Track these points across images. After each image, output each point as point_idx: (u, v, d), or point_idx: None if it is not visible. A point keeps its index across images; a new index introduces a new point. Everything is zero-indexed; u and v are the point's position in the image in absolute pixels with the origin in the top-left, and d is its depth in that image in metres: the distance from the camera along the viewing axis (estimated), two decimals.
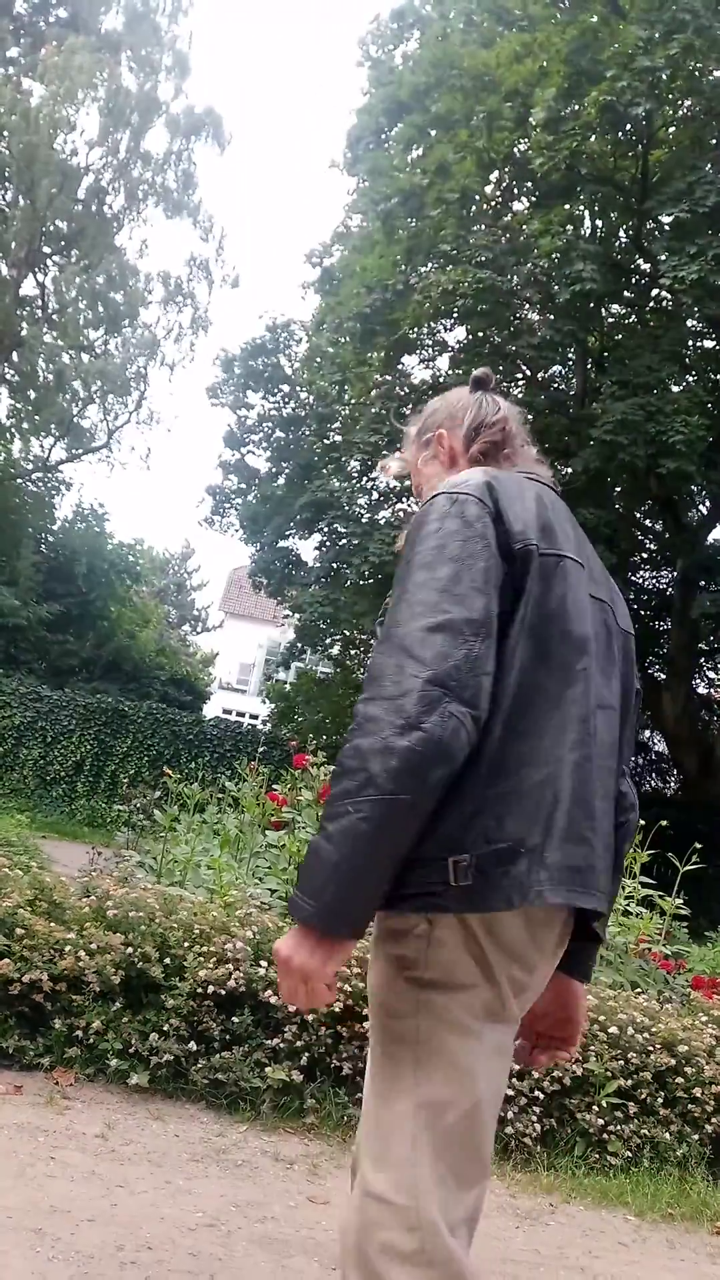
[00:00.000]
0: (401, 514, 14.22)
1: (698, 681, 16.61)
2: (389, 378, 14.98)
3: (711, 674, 17.47)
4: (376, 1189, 1.15)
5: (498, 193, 14.81)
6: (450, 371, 15.92)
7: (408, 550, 1.24)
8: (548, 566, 1.25)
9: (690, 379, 13.38)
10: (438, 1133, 1.15)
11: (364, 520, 14.88)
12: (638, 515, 16.64)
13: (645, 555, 17.33)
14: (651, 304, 14.59)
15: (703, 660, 16.47)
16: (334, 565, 15.36)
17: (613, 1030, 3.39)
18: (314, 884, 1.12)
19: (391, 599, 1.23)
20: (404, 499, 15.21)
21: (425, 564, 1.20)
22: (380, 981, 1.22)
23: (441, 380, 15.76)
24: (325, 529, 15.28)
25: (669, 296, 13.64)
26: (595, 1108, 3.25)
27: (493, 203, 14.69)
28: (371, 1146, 1.19)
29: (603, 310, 14.72)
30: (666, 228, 12.51)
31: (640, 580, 17.48)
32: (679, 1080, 3.39)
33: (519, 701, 1.19)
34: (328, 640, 16.87)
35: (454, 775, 1.13)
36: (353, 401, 15.47)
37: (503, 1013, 1.20)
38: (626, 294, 14.62)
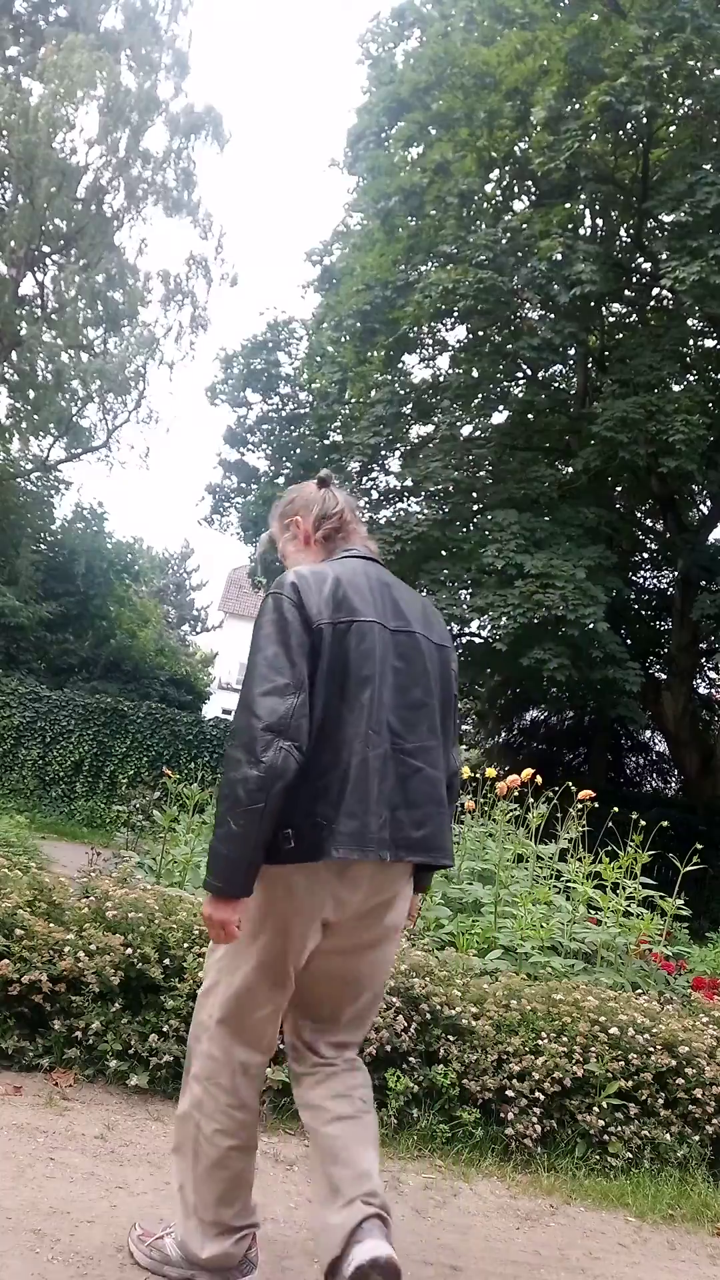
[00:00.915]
0: (401, 513, 14.19)
1: (699, 681, 16.61)
2: (389, 377, 14.96)
3: (712, 674, 17.46)
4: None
5: (498, 192, 14.80)
6: (450, 371, 15.91)
7: (252, 634, 1.89)
8: (338, 632, 1.88)
9: (691, 378, 13.37)
10: (225, 981, 1.96)
11: (363, 521, 14.84)
12: (638, 515, 16.64)
13: (646, 555, 17.32)
14: (652, 303, 14.58)
15: (704, 660, 16.47)
16: None
17: (613, 1031, 3.39)
18: (215, 868, 1.81)
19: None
20: (404, 498, 15.20)
21: (259, 647, 1.85)
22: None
23: (442, 380, 15.76)
24: None
25: (670, 295, 13.63)
26: (596, 1109, 3.25)
27: (493, 202, 14.68)
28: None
29: (603, 310, 14.71)
30: (667, 228, 12.50)
31: (641, 580, 17.47)
32: (680, 1081, 3.39)
33: (324, 727, 1.83)
34: None
35: (290, 785, 1.77)
36: (353, 401, 15.46)
37: (293, 921, 1.89)
38: (627, 293, 14.61)
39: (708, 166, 11.68)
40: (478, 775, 5.81)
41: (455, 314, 13.60)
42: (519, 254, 12.36)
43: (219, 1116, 1.95)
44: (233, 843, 1.77)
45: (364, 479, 15.44)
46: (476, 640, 13.69)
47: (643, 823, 4.79)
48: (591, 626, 11.16)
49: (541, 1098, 3.20)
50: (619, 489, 15.60)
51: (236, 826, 1.76)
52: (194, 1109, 1.98)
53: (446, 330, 15.58)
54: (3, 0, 17.55)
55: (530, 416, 15.92)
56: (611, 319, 15.36)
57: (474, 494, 14.04)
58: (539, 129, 12.04)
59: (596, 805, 4.98)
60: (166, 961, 3.11)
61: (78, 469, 46.41)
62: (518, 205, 14.73)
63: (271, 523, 2.26)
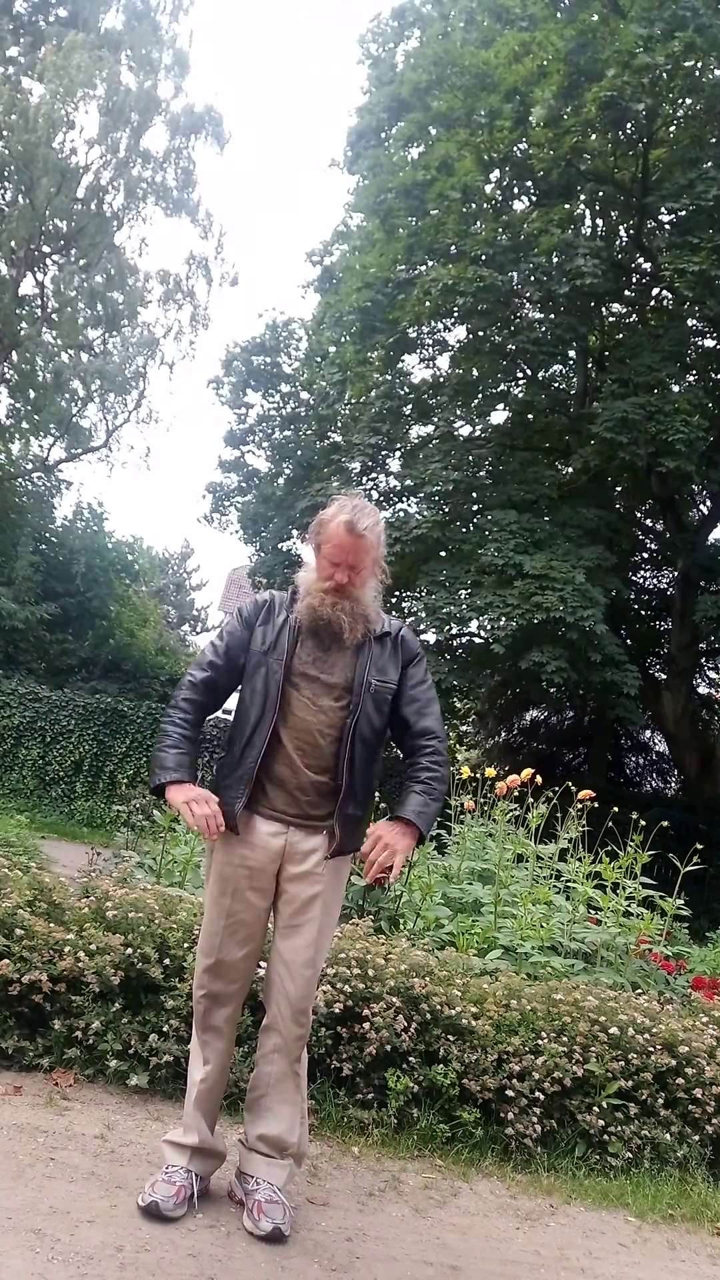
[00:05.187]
0: (401, 514, 14.19)
1: (698, 681, 16.60)
2: (389, 377, 14.96)
3: (712, 674, 17.46)
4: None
5: (498, 192, 14.81)
6: (451, 371, 15.91)
7: None
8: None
9: (691, 378, 13.37)
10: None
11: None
12: (638, 515, 16.63)
13: (645, 555, 17.32)
14: (652, 303, 14.59)
15: (704, 660, 16.46)
16: None
17: (613, 1031, 3.39)
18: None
19: None
20: (404, 499, 15.19)
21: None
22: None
23: (441, 380, 15.75)
24: None
25: (670, 295, 13.64)
26: (596, 1109, 3.25)
27: (493, 202, 14.68)
28: None
29: (603, 310, 14.71)
30: (667, 226, 12.50)
31: (640, 580, 17.47)
32: (680, 1081, 3.39)
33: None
34: None
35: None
36: (353, 402, 15.45)
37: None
38: (627, 293, 14.61)
39: (708, 165, 11.69)
40: (478, 775, 5.81)
41: (455, 313, 13.60)
42: (519, 253, 12.37)
43: None
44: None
45: (364, 479, 15.44)
46: (476, 641, 13.69)
47: (643, 823, 4.78)
48: (591, 628, 11.15)
49: (541, 1098, 3.20)
50: (619, 489, 15.59)
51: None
52: None
53: (446, 330, 15.58)
54: (3, 1, 17.53)
55: (530, 416, 15.91)
56: (611, 319, 15.36)
57: (473, 494, 14.04)
58: (539, 128, 12.04)
59: (596, 805, 4.98)
60: (166, 961, 3.11)
61: (78, 469, 46.31)
62: (518, 206, 14.74)
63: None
